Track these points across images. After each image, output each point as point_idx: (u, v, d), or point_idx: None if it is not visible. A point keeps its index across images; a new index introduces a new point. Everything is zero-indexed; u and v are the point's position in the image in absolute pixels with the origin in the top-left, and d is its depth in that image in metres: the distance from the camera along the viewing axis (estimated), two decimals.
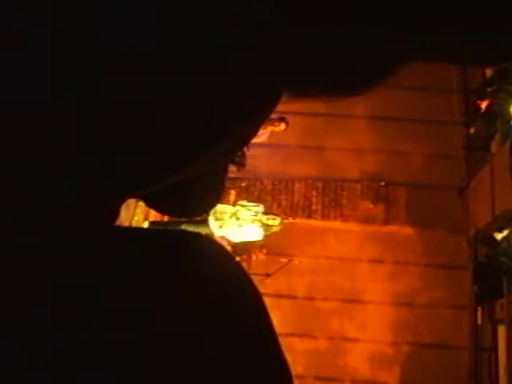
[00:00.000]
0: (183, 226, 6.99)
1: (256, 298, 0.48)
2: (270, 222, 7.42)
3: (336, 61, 0.47)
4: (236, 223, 7.34)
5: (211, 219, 7.26)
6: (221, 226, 7.29)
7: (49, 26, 0.41)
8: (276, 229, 7.53)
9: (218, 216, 7.23)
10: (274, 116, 7.93)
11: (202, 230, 7.52)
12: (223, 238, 7.61)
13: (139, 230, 0.58)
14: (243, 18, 0.44)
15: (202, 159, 0.48)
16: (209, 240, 0.50)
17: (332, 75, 0.49)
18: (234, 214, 7.33)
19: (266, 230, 7.44)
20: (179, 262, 0.46)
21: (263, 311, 0.47)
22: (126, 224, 6.39)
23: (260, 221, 7.41)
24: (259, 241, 7.78)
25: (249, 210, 7.43)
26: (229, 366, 0.42)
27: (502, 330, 8.32)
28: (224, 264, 0.49)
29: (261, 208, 7.51)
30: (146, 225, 7.34)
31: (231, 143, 0.50)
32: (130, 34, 0.42)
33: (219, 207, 7.25)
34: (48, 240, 0.43)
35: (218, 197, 0.66)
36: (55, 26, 0.41)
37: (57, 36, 0.41)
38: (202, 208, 0.65)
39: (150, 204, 0.61)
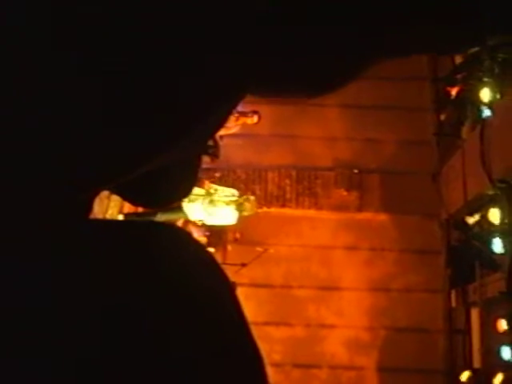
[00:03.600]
0: (158, 214, 6.97)
1: (226, 285, 0.48)
2: (244, 201, 7.48)
3: (310, 60, 0.48)
4: (210, 206, 7.37)
5: (185, 204, 7.27)
6: (195, 210, 7.30)
7: None
8: (250, 209, 7.57)
9: (193, 199, 7.25)
10: (246, 109, 7.95)
11: (177, 216, 7.52)
12: (198, 223, 7.62)
13: (111, 223, 0.58)
14: (230, 20, 0.44)
15: (172, 149, 0.48)
16: (178, 230, 0.50)
17: (307, 75, 0.49)
18: (208, 196, 7.37)
19: (240, 212, 7.47)
20: (148, 253, 0.46)
21: (233, 298, 0.47)
22: (100, 217, 6.34)
23: (234, 202, 7.46)
24: (232, 226, 7.81)
25: (223, 191, 7.47)
26: (202, 355, 0.43)
27: (474, 313, 8.47)
28: (194, 253, 0.49)
29: (235, 192, 7.56)
30: (120, 218, 7.29)
31: (199, 134, 0.50)
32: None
33: (193, 191, 7.25)
34: (24, 233, 0.43)
35: (190, 187, 0.66)
36: None
37: None
38: (174, 198, 0.65)
39: (123, 195, 0.61)
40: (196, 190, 7.30)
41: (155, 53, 0.43)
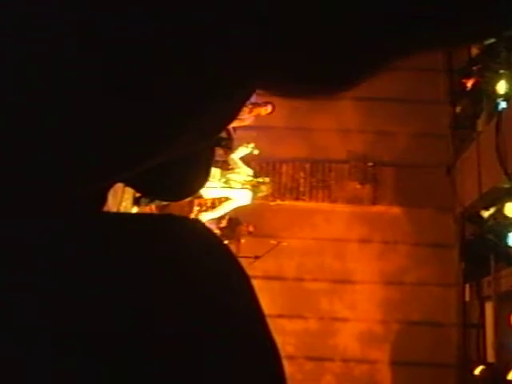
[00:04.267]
0: None
1: (243, 276, 0.48)
2: (260, 180, 7.49)
3: (325, 56, 0.47)
4: (226, 185, 7.38)
5: None
6: (211, 189, 7.32)
7: None
8: (265, 190, 7.57)
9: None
10: (259, 100, 7.92)
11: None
12: (211, 208, 7.63)
13: (127, 216, 0.58)
14: (242, 17, 0.44)
15: (179, 141, 0.48)
16: (193, 222, 0.50)
17: (321, 72, 0.49)
18: (223, 177, 7.38)
19: (255, 192, 7.47)
20: (166, 248, 0.46)
21: (251, 292, 0.47)
22: (114, 210, 6.37)
23: (249, 183, 7.47)
24: (246, 218, 7.81)
25: (239, 172, 7.46)
26: (219, 348, 0.43)
27: (489, 307, 8.42)
28: (212, 247, 0.49)
29: (250, 171, 7.56)
30: (134, 210, 7.31)
31: (208, 126, 0.50)
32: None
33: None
34: (37, 226, 0.43)
35: (203, 180, 0.66)
36: None
37: None
38: (186, 191, 0.65)
39: (136, 188, 0.62)
40: (212, 171, 7.31)
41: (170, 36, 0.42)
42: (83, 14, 0.40)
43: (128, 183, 0.58)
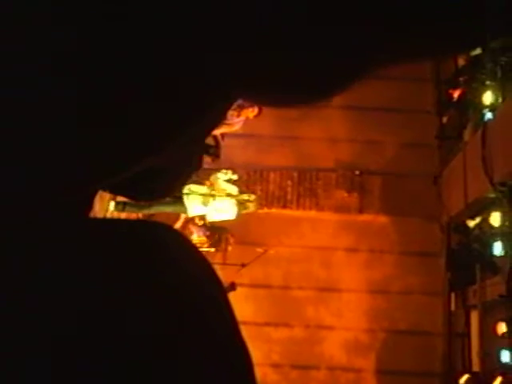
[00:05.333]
0: (158, 206, 6.98)
1: (218, 286, 0.49)
2: (246, 197, 7.46)
3: (310, 62, 0.48)
4: (210, 199, 7.36)
5: (185, 198, 7.26)
6: (195, 204, 7.30)
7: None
8: (251, 207, 7.54)
9: (193, 191, 7.24)
10: (246, 102, 7.89)
11: (177, 210, 7.51)
12: (198, 223, 7.61)
13: (106, 222, 0.58)
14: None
15: (163, 150, 0.49)
16: (171, 230, 0.51)
17: (305, 78, 0.49)
18: (208, 190, 7.36)
19: (240, 209, 7.45)
20: (147, 254, 0.46)
21: (224, 298, 0.48)
22: (101, 215, 6.34)
23: (234, 196, 7.44)
24: (232, 226, 7.80)
25: (223, 187, 7.44)
26: (193, 349, 0.43)
27: (474, 316, 8.46)
28: (188, 254, 0.50)
29: (235, 176, 7.54)
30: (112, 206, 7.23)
31: (194, 134, 0.51)
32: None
33: (194, 187, 7.28)
34: (24, 231, 0.43)
35: (182, 184, 0.68)
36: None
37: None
38: (168, 192, 0.67)
39: (113, 191, 0.63)
40: (196, 188, 7.31)
41: (153, 53, 0.43)
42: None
43: (109, 188, 0.59)
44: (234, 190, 7.59)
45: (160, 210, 7.54)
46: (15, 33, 0.41)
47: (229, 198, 7.42)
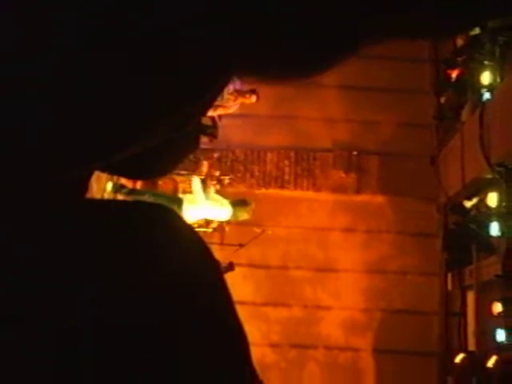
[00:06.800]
0: (151, 199, 6.94)
1: (214, 266, 0.49)
2: (240, 210, 7.36)
3: (302, 38, 0.47)
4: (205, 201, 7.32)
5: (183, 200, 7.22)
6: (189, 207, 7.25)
7: None
8: (246, 215, 7.45)
9: (189, 199, 7.20)
10: (244, 88, 7.88)
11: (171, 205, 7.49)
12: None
13: (101, 202, 0.58)
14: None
15: (156, 131, 0.48)
16: (167, 210, 0.51)
17: (299, 52, 0.49)
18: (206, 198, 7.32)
19: (236, 216, 7.37)
20: (145, 236, 0.46)
21: (221, 279, 0.48)
22: (98, 196, 6.34)
23: (229, 202, 7.39)
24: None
25: (217, 200, 7.37)
26: (189, 335, 0.43)
27: (470, 296, 8.51)
28: (183, 235, 0.50)
29: (227, 202, 7.43)
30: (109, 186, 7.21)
31: (187, 113, 0.51)
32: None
33: (189, 197, 7.24)
34: (21, 214, 0.43)
35: (180, 161, 0.68)
36: None
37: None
38: (165, 171, 0.68)
39: (113, 171, 0.63)
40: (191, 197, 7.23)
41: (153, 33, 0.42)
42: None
43: (107, 169, 0.58)
44: (226, 203, 7.44)
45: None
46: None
47: (224, 205, 7.32)
